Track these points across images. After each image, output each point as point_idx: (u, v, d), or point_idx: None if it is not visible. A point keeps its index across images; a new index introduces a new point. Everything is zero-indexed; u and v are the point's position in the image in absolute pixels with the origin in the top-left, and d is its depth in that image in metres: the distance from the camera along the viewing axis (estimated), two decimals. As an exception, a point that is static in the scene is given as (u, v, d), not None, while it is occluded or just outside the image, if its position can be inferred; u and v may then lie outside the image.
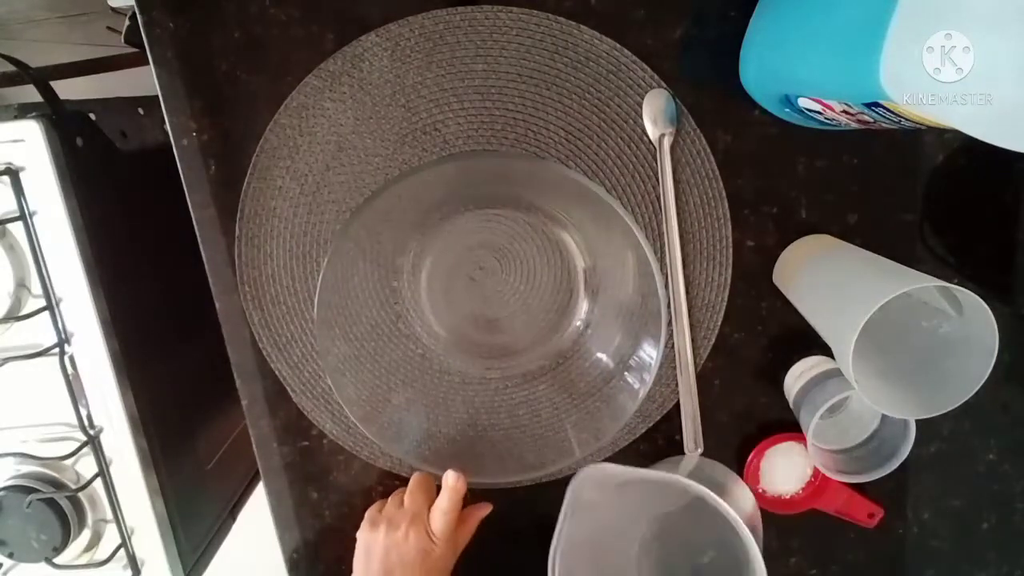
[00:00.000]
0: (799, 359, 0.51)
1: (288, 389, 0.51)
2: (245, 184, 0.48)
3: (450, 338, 0.51)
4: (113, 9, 0.61)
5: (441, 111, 0.47)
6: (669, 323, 0.49)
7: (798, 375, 0.50)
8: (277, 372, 0.51)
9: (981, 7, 0.27)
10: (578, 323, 0.51)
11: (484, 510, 0.50)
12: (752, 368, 0.52)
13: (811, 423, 0.45)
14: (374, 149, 0.48)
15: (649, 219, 0.49)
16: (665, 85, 0.47)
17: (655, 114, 0.47)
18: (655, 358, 0.45)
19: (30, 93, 0.55)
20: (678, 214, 0.48)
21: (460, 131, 0.48)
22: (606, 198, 0.41)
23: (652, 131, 0.47)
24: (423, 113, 0.47)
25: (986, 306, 0.36)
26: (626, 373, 0.47)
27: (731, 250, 0.49)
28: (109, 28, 0.78)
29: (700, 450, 0.52)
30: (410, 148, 0.48)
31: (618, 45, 0.46)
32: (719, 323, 0.50)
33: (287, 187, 0.48)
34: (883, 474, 0.47)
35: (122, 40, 0.64)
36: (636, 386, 0.46)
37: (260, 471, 0.54)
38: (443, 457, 0.48)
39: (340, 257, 0.44)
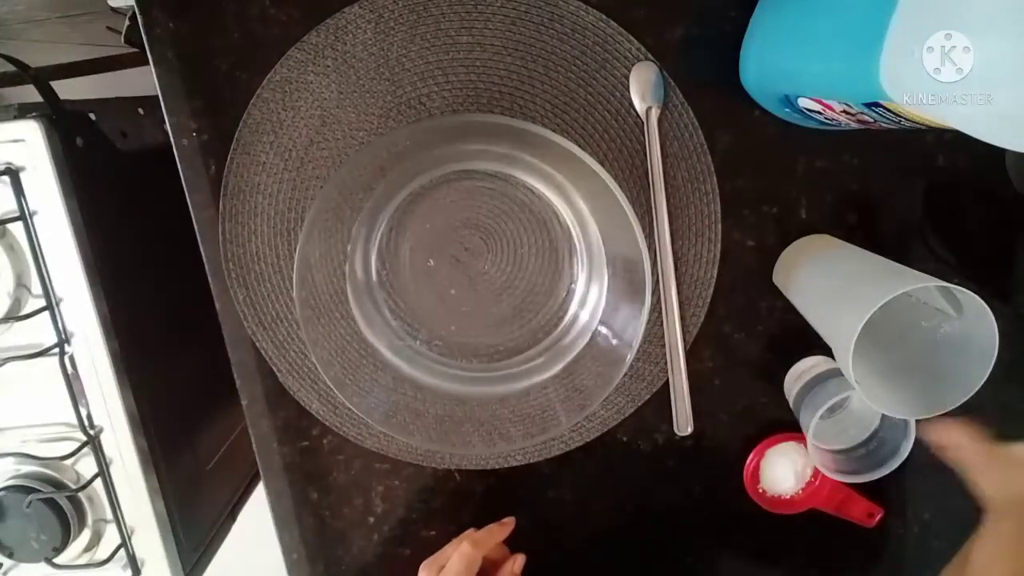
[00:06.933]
0: (799, 359, 0.51)
1: (274, 368, 0.51)
2: (228, 159, 0.48)
3: (435, 317, 0.51)
4: (113, 9, 0.61)
5: (426, 84, 0.47)
6: (654, 290, 0.49)
7: (798, 375, 0.50)
8: (263, 351, 0.51)
9: (981, 7, 0.27)
10: (565, 298, 0.51)
11: (518, 563, 0.49)
12: (752, 368, 0.52)
13: (811, 423, 0.45)
14: (358, 123, 0.47)
15: (637, 194, 0.49)
16: (652, 58, 0.47)
17: (642, 87, 0.47)
18: (640, 322, 0.44)
19: (30, 93, 0.55)
20: (666, 188, 0.48)
21: (445, 104, 0.47)
22: (588, 161, 0.40)
23: (639, 104, 0.47)
24: (407, 86, 0.47)
25: (986, 306, 0.36)
26: (613, 343, 0.47)
27: (719, 225, 0.49)
28: (109, 28, 0.78)
29: (691, 430, 0.52)
30: (395, 122, 0.47)
31: (604, 17, 0.46)
32: (708, 299, 0.50)
33: (271, 162, 0.48)
34: (883, 474, 0.47)
35: (122, 40, 0.64)
36: (624, 354, 0.45)
37: (260, 471, 0.54)
38: (430, 435, 0.48)
39: (318, 227, 0.43)
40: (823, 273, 0.45)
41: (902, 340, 0.42)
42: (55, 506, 0.53)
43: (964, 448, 0.41)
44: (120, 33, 0.64)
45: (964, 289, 0.36)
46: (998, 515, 0.39)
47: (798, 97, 0.40)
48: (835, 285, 0.43)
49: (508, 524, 0.50)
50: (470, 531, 0.49)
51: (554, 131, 0.43)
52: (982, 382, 0.37)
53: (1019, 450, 0.40)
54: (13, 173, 0.47)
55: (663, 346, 0.50)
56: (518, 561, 0.48)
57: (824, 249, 0.47)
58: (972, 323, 0.37)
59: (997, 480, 0.39)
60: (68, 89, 0.58)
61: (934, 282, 0.36)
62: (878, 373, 0.41)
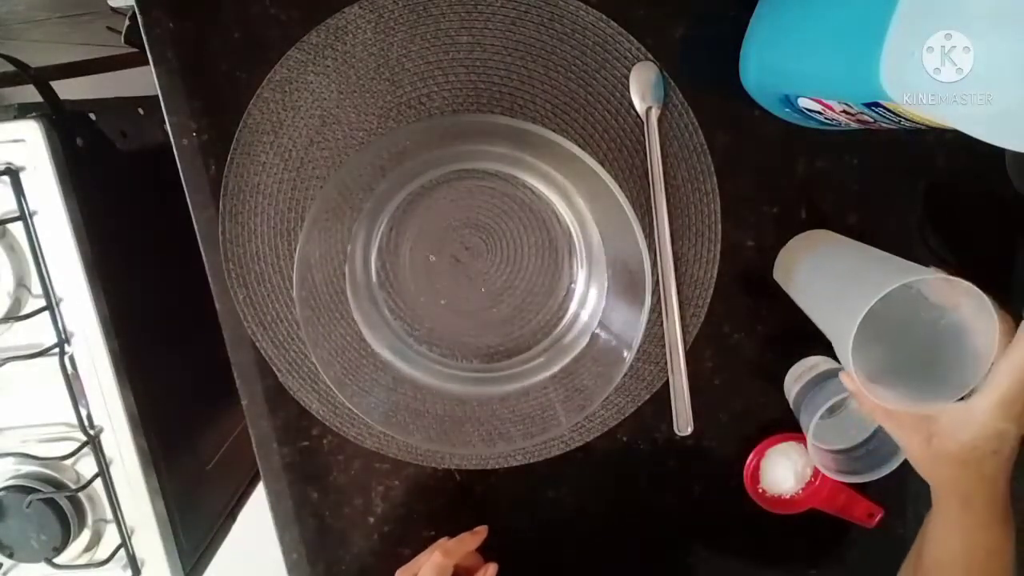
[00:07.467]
0: (799, 359, 0.51)
1: (274, 368, 0.51)
2: (228, 159, 0.48)
3: (435, 318, 0.51)
4: (113, 9, 0.61)
5: (426, 84, 0.47)
6: (654, 290, 0.49)
7: (798, 375, 0.50)
8: (263, 351, 0.51)
9: (981, 7, 0.27)
10: (565, 298, 0.51)
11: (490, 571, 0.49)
12: (752, 368, 0.52)
13: (811, 423, 0.45)
14: (358, 124, 0.48)
15: (636, 194, 0.49)
16: (652, 58, 0.47)
17: (642, 87, 0.47)
18: (640, 324, 0.44)
19: (30, 93, 0.55)
20: (666, 189, 0.48)
21: (445, 104, 0.47)
22: (588, 161, 0.41)
23: (639, 104, 0.47)
24: (408, 86, 0.47)
25: (986, 298, 0.36)
26: (613, 344, 0.47)
27: (720, 226, 0.49)
28: (109, 28, 0.78)
29: (691, 430, 0.52)
30: (395, 122, 0.48)
31: (604, 17, 0.46)
32: (708, 299, 0.50)
33: (271, 162, 0.48)
34: (883, 474, 0.47)
35: (122, 40, 0.64)
36: (624, 354, 0.45)
37: (260, 471, 0.54)
38: (430, 435, 0.48)
39: (318, 227, 0.43)
40: (823, 267, 0.45)
41: (902, 334, 0.42)
42: (55, 506, 0.53)
43: (861, 398, 0.41)
44: (120, 33, 0.64)
45: (964, 281, 0.36)
46: (938, 490, 0.40)
47: (798, 97, 0.40)
48: (836, 278, 0.43)
49: (480, 533, 0.50)
50: (443, 540, 0.49)
51: (554, 131, 0.43)
52: (982, 376, 0.37)
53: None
54: (13, 173, 0.47)
55: (663, 346, 0.50)
56: (490, 570, 0.48)
57: (824, 244, 0.47)
58: (971, 316, 0.37)
59: (917, 442, 0.40)
60: (68, 89, 0.58)
61: (934, 275, 0.36)
62: (878, 368, 0.40)
